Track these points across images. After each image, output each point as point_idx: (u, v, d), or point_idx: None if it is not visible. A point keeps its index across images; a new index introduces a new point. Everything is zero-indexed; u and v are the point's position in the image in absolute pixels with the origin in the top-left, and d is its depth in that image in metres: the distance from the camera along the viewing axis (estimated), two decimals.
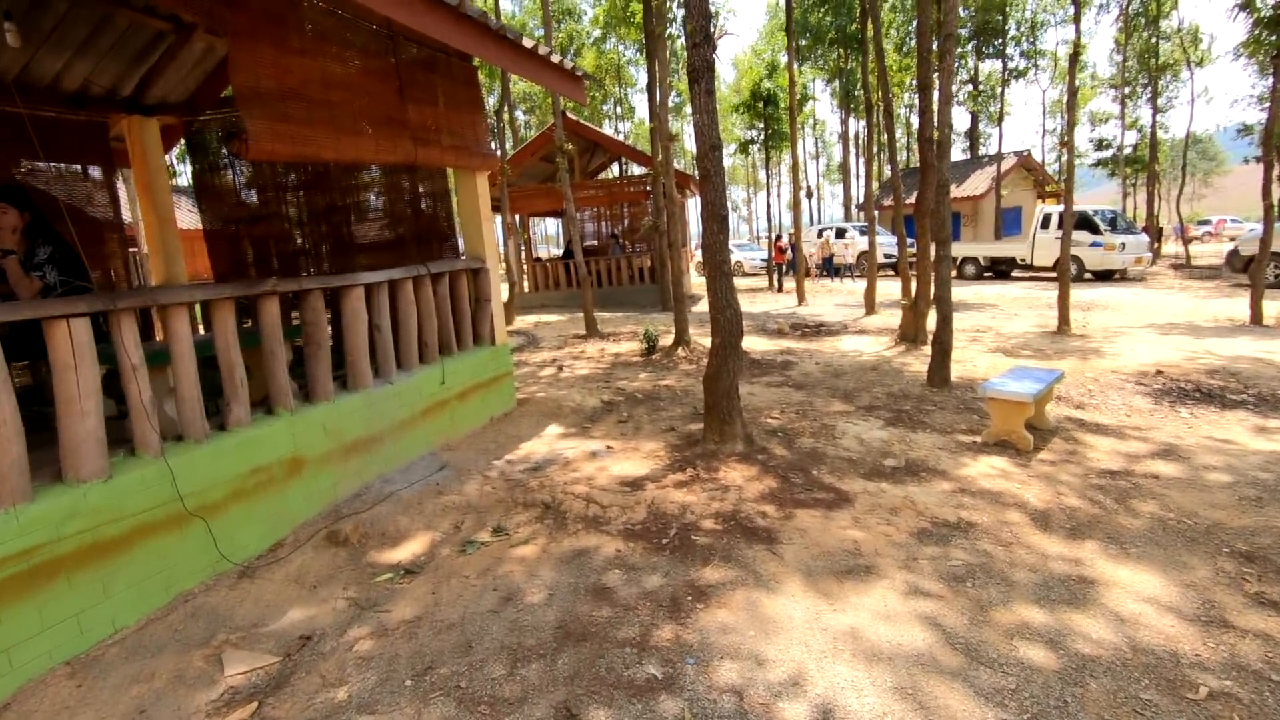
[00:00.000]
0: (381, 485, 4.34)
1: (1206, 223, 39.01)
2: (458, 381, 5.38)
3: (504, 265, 16.99)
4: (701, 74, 4.58)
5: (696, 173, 4.80)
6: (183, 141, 6.75)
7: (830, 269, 21.88)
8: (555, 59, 5.47)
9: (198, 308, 5.38)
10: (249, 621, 2.92)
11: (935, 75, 6.75)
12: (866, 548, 3.40)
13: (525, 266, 18.34)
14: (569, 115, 16.15)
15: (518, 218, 18.48)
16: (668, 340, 9.67)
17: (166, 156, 7.43)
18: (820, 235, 23.30)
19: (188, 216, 16.19)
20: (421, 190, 5.80)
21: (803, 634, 2.67)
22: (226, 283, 3.60)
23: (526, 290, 17.83)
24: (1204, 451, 4.70)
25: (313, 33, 4.19)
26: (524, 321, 14.30)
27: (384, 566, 3.40)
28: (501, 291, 14.11)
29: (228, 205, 6.24)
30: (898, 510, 3.86)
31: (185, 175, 26.73)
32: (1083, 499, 3.97)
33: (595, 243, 19.47)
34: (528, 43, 5.10)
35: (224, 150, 5.92)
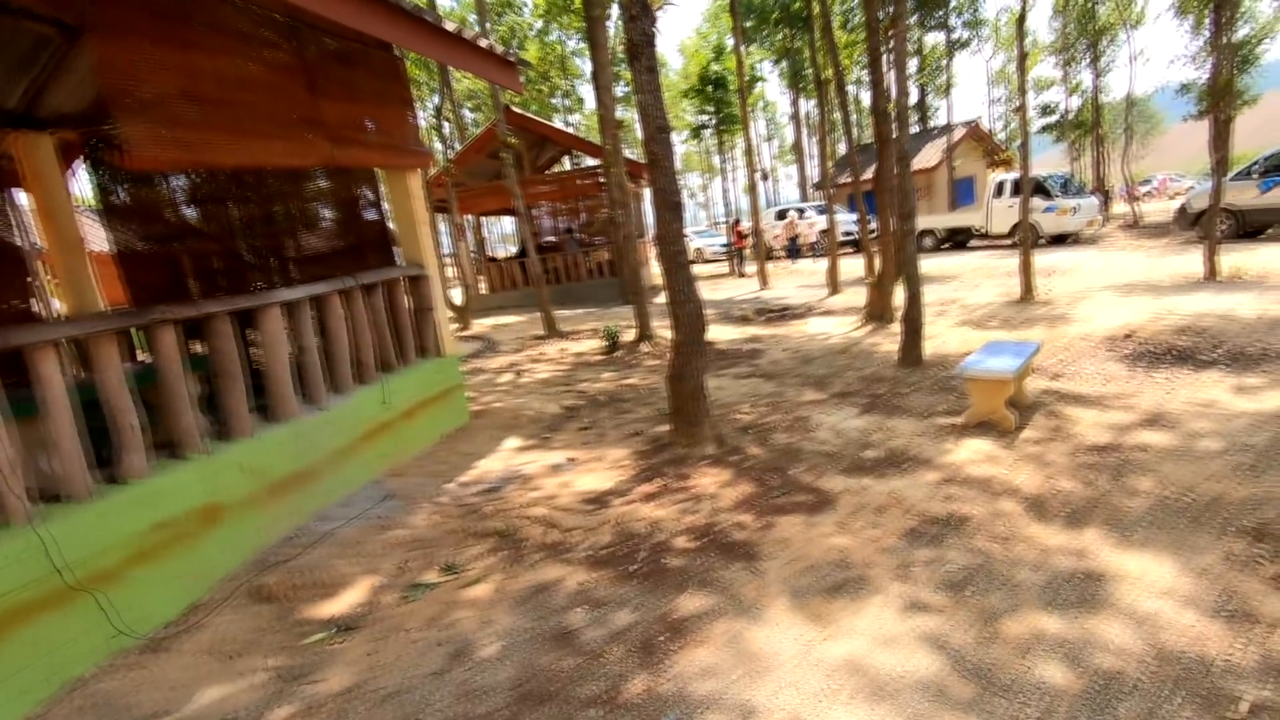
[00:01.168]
0: (317, 524, 3.90)
1: (1148, 181, 39.98)
2: (402, 400, 4.95)
3: (457, 269, 16.42)
4: (641, 49, 4.21)
5: (645, 158, 4.44)
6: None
7: (794, 250, 21.65)
8: (484, 44, 5.04)
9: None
10: (151, 710, 2.49)
11: (889, 43, 6.48)
12: (855, 556, 3.10)
13: (480, 268, 17.77)
14: (513, 109, 15.61)
15: (469, 219, 17.90)
16: (630, 336, 9.32)
17: (70, 174, 6.81)
18: (783, 217, 23.10)
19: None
20: (352, 195, 5.32)
21: (794, 672, 2.35)
22: (105, 314, 3.12)
23: (484, 292, 17.28)
24: (1190, 417, 4.52)
25: (202, 25, 3.70)
26: (481, 325, 13.79)
27: (316, 624, 2.98)
28: (453, 297, 13.57)
29: (137, 224, 5.67)
30: (884, 509, 3.57)
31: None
32: (1075, 480, 3.73)
33: (554, 239, 18.98)
34: (450, 26, 4.66)
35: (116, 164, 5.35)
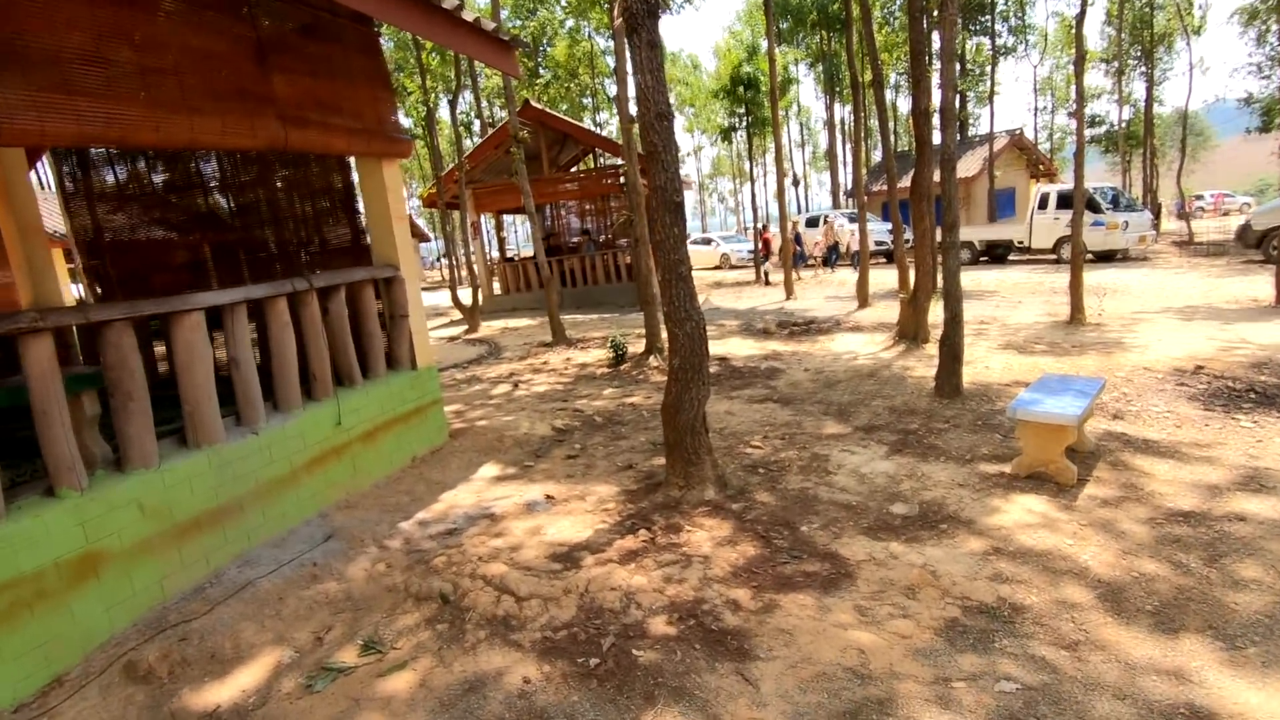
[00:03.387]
0: (238, 571, 3.31)
1: (1199, 198, 38.25)
2: (362, 419, 4.36)
3: (466, 269, 15.92)
4: (641, 21, 3.56)
5: (641, 148, 3.79)
6: None
7: (835, 257, 20.40)
8: (470, 17, 4.43)
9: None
10: None
11: (934, 35, 5.74)
12: (879, 662, 2.40)
13: (496, 268, 17.26)
14: (533, 104, 15.08)
15: (484, 217, 17.42)
16: (639, 347, 8.66)
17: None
18: (815, 224, 22.07)
19: None
20: (315, 185, 4.75)
21: None
22: None
23: (498, 293, 16.77)
24: None
25: None
26: (490, 328, 13.25)
27: (193, 717, 2.38)
28: (464, 297, 13.04)
29: (76, 212, 5.17)
30: (915, 589, 2.86)
31: None
32: (1159, 560, 2.99)
33: (575, 240, 18.41)
34: None
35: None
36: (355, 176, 4.93)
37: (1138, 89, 25.07)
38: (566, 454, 4.96)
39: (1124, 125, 22.52)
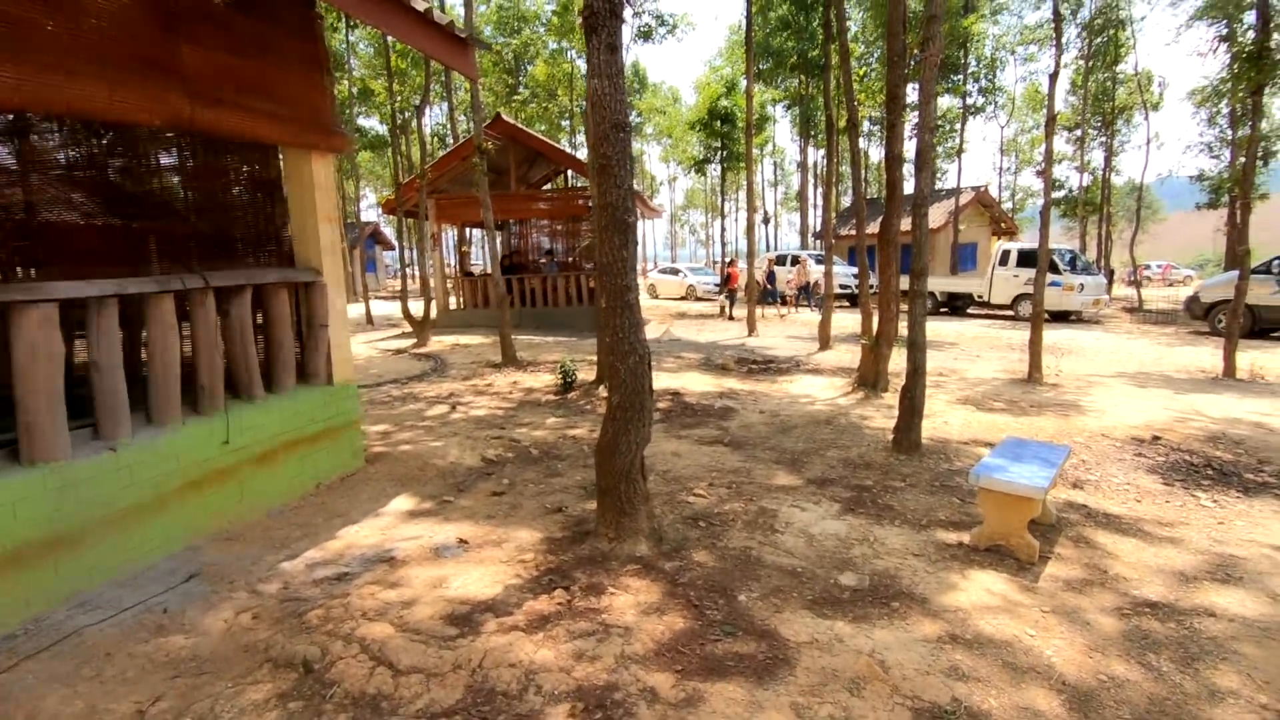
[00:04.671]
0: (67, 616, 2.77)
1: (1148, 267, 39.84)
2: (259, 438, 3.84)
3: (418, 281, 15.34)
4: (603, 20, 3.23)
5: (591, 160, 3.43)
6: None
7: (807, 296, 20.07)
8: (421, 6, 4.05)
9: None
10: None
11: (913, 76, 5.58)
12: None
13: (452, 283, 16.71)
14: (504, 118, 14.73)
15: (447, 229, 16.91)
16: (590, 375, 8.26)
17: None
18: (784, 263, 21.98)
19: None
20: (227, 174, 4.26)
21: None
22: None
23: (457, 307, 16.20)
24: (1261, 567, 3.50)
25: None
26: (441, 343, 12.68)
27: None
28: (348, 310, 12.42)
29: None
30: (861, 682, 2.49)
31: None
32: (1129, 660, 2.68)
33: (539, 259, 17.96)
34: None
35: None
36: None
37: (1096, 157, 26.06)
38: (492, 490, 4.50)
39: (1083, 191, 23.27)
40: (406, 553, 3.50)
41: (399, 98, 16.84)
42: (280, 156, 4.32)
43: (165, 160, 4.16)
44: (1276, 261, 13.10)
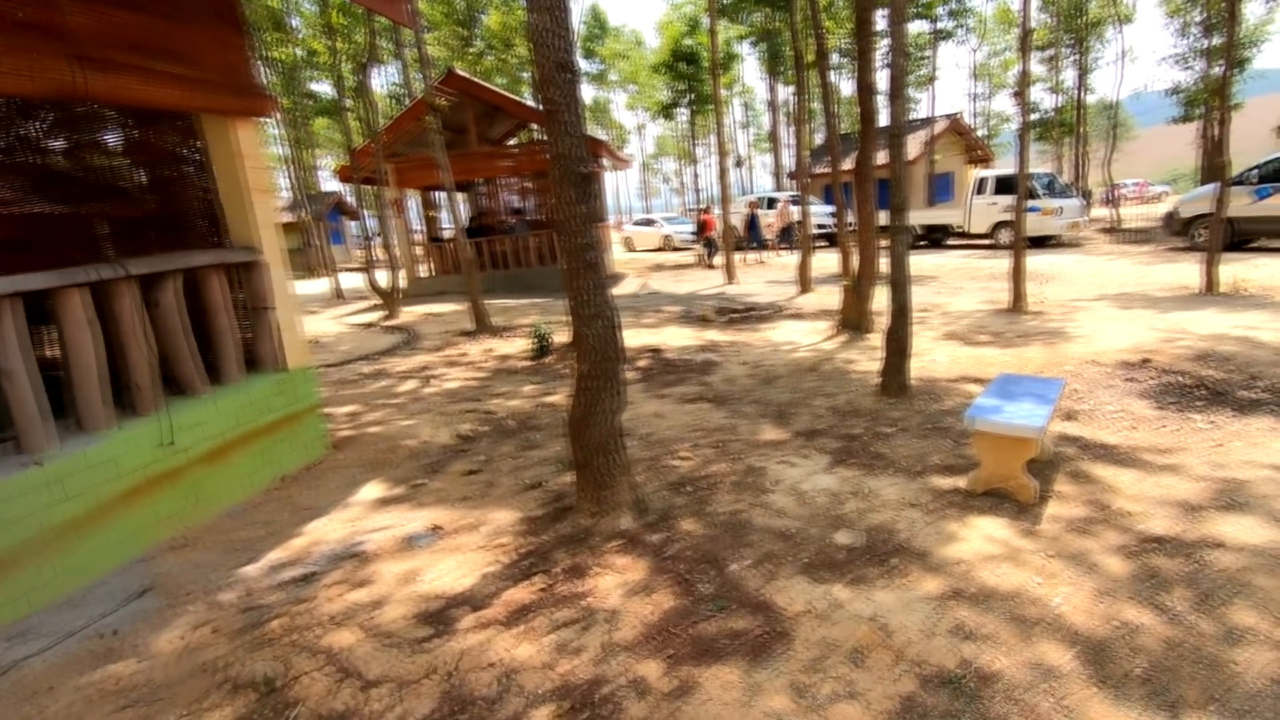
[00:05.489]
0: (2, 651, 2.54)
1: (1124, 185, 39.72)
2: (207, 434, 3.58)
3: (385, 250, 14.82)
4: None
5: (538, 103, 3.10)
6: None
7: (789, 238, 19.54)
8: None
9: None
10: None
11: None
12: None
13: (422, 250, 16.19)
14: (458, 73, 14.03)
15: (411, 195, 16.30)
16: (566, 337, 7.98)
17: None
18: (773, 205, 21.34)
19: None
20: (139, 148, 3.87)
21: None
22: None
23: (428, 274, 15.73)
24: (1266, 491, 3.39)
25: None
26: (413, 313, 12.31)
27: None
28: (295, 287, 11.97)
29: None
30: (863, 651, 2.34)
31: None
32: (1140, 603, 2.55)
33: (507, 219, 17.40)
34: None
35: None
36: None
37: (1069, 77, 25.56)
38: (467, 469, 4.28)
39: (1056, 112, 22.88)
40: (376, 545, 3.29)
41: (343, 57, 15.97)
42: (201, 126, 3.93)
43: (71, 137, 3.76)
44: (1252, 172, 12.94)
